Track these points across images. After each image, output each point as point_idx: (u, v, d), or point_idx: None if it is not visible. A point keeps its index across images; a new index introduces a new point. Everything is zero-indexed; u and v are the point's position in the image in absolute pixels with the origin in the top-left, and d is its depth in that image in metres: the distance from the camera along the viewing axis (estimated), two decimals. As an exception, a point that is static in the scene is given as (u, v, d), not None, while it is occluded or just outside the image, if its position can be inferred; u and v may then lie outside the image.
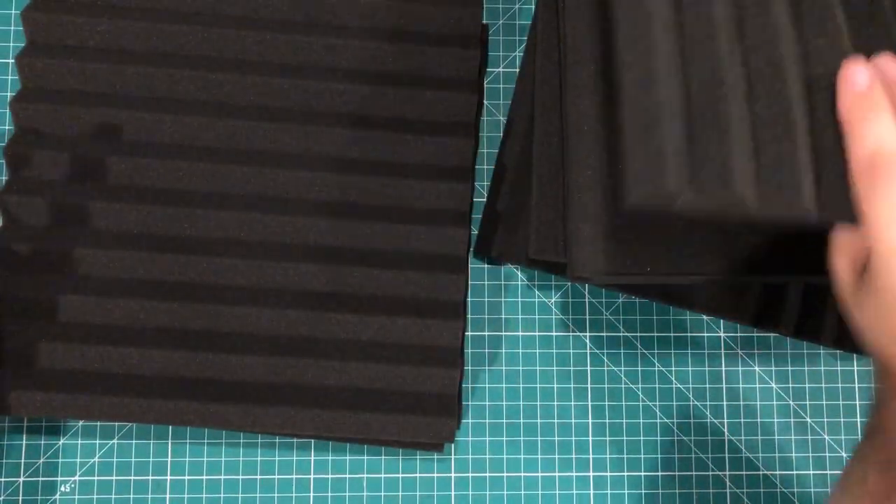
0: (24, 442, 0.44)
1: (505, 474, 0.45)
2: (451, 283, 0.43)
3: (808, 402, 0.46)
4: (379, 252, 0.43)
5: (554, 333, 0.46)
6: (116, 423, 0.44)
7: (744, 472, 0.45)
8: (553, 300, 0.47)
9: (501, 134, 0.47)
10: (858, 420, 0.46)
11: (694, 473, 0.45)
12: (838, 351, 0.46)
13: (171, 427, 0.45)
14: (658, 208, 0.31)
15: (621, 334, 0.46)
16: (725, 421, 0.46)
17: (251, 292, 0.42)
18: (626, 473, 0.45)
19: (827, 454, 0.46)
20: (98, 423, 0.44)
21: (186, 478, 0.44)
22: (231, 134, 0.44)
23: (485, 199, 0.47)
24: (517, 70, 0.48)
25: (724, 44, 0.32)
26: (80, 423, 0.44)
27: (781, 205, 0.31)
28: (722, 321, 0.46)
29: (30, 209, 0.42)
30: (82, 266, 0.42)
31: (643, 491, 0.45)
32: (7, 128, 0.47)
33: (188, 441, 0.45)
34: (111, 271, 0.42)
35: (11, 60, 0.47)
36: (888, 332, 0.31)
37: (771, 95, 0.32)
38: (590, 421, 0.45)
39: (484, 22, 0.48)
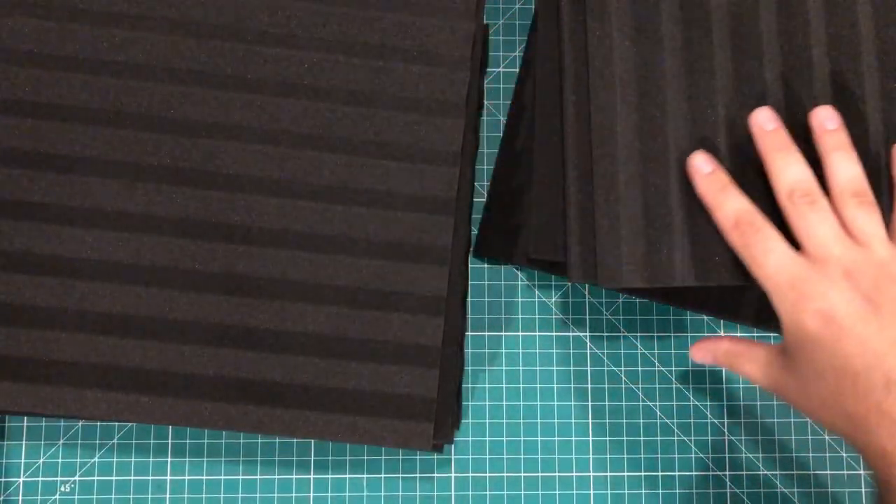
0: (24, 442, 0.44)
1: (505, 474, 0.45)
2: (433, 276, 0.42)
3: (808, 402, 0.46)
4: (360, 238, 0.42)
5: (554, 333, 0.46)
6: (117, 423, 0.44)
7: (744, 472, 0.45)
8: (553, 300, 0.47)
9: (501, 134, 0.47)
10: (858, 420, 0.46)
11: (694, 473, 0.45)
12: None
13: (171, 427, 0.45)
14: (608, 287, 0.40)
15: (621, 334, 0.46)
16: (725, 421, 0.46)
17: (235, 282, 0.41)
18: (626, 473, 0.45)
19: (827, 454, 0.45)
20: (98, 424, 0.45)
21: (186, 478, 0.44)
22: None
23: (485, 199, 0.47)
24: (517, 70, 0.48)
25: (673, 153, 0.40)
26: (80, 423, 0.44)
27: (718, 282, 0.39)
28: (722, 321, 0.46)
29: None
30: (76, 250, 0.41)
31: (643, 491, 0.45)
32: None
33: (188, 441, 0.45)
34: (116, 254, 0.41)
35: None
36: (835, 413, 0.35)
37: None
38: (590, 421, 0.45)
39: (485, 22, 0.48)
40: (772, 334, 0.46)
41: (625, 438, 0.45)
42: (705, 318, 0.47)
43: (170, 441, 0.45)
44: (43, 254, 0.41)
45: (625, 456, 0.45)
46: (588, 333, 0.46)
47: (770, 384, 0.38)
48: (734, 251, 0.37)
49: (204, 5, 0.43)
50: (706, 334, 0.46)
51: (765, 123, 0.38)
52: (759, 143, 0.38)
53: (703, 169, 0.38)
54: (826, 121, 0.38)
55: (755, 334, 0.46)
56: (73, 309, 0.40)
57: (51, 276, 0.40)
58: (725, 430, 0.46)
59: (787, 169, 0.37)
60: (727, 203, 0.37)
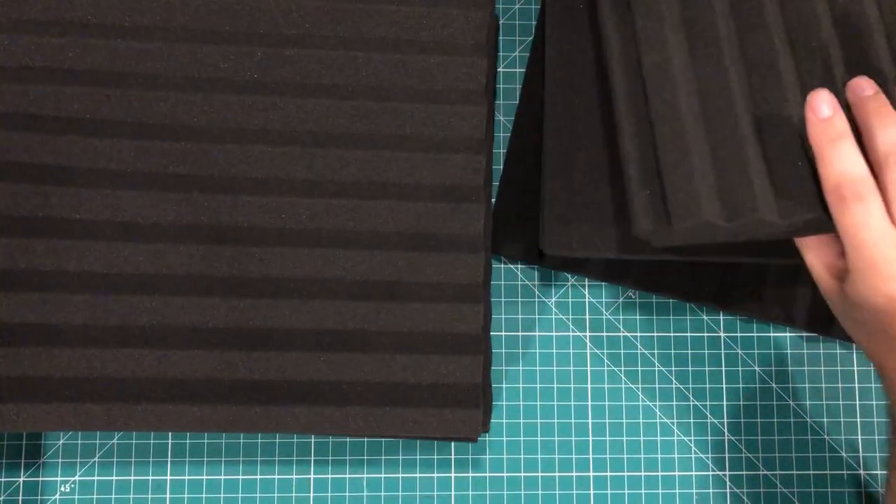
0: (24, 442, 0.44)
1: (505, 474, 0.45)
2: (468, 264, 0.42)
3: (808, 402, 0.46)
4: (392, 232, 0.42)
5: (554, 333, 0.46)
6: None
7: (744, 472, 0.45)
8: (553, 300, 0.47)
9: (503, 133, 0.47)
10: (858, 420, 0.46)
11: (694, 473, 0.45)
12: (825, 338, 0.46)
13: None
14: (690, 237, 0.36)
15: (621, 334, 0.46)
16: (725, 421, 0.46)
17: (274, 284, 0.42)
18: (626, 473, 0.45)
19: (827, 454, 0.46)
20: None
21: (186, 478, 0.44)
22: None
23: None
24: (517, 70, 0.48)
25: (736, 86, 0.37)
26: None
27: (801, 223, 0.35)
28: (721, 316, 0.46)
29: None
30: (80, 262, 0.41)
31: (643, 491, 0.45)
32: None
33: (188, 441, 0.45)
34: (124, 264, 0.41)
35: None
36: (872, 339, 0.36)
37: (779, 125, 0.36)
38: (590, 421, 0.45)
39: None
40: (772, 334, 0.46)
41: (625, 438, 0.45)
42: (705, 318, 0.47)
43: (170, 441, 0.45)
44: (76, 271, 0.41)
45: (625, 456, 0.45)
46: (588, 333, 0.46)
47: (823, 289, 0.37)
48: (828, 208, 0.34)
49: (218, 12, 0.43)
50: (706, 334, 0.46)
51: (863, 90, 0.35)
52: (859, 109, 0.35)
53: (822, 111, 0.35)
54: (867, 88, 0.36)
55: (755, 334, 0.46)
56: (115, 325, 0.40)
57: (87, 293, 0.40)
58: (725, 430, 0.46)
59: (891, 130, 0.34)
60: (836, 160, 0.34)
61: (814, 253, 0.37)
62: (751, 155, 0.36)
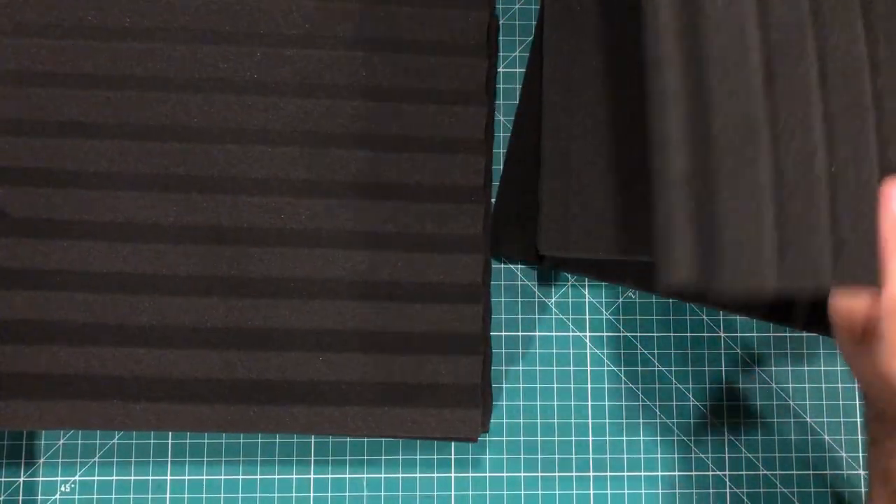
0: (24, 442, 0.44)
1: (504, 474, 0.45)
2: (468, 264, 0.42)
3: (808, 402, 0.46)
4: (393, 233, 0.42)
5: (554, 333, 0.46)
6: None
7: (744, 472, 0.45)
8: (553, 300, 0.47)
9: (503, 134, 0.47)
10: (858, 420, 0.46)
11: (694, 473, 0.45)
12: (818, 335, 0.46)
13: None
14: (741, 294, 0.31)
15: (621, 334, 0.46)
16: (725, 421, 0.46)
17: (274, 284, 0.42)
18: (626, 473, 0.45)
19: (827, 454, 0.46)
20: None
21: (186, 478, 0.44)
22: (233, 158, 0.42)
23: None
24: (517, 70, 0.48)
25: (820, 162, 0.33)
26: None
27: (853, 286, 0.32)
28: (722, 320, 0.46)
29: None
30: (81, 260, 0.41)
31: (643, 491, 0.45)
32: None
33: (188, 441, 0.45)
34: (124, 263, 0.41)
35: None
36: (871, 388, 0.34)
37: (853, 191, 0.33)
38: (590, 421, 0.45)
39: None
40: (771, 334, 0.46)
41: (625, 438, 0.45)
42: (705, 318, 0.47)
43: (170, 441, 0.45)
44: (76, 270, 0.41)
45: (625, 456, 0.45)
46: (588, 333, 0.46)
47: (839, 332, 0.34)
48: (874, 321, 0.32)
49: (218, 12, 0.43)
50: (706, 334, 0.46)
51: None
52: None
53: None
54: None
55: (755, 334, 0.46)
56: (114, 324, 0.41)
57: (87, 292, 0.41)
58: (725, 430, 0.46)
59: None
60: None
61: (843, 300, 0.34)
62: (820, 212, 0.32)
